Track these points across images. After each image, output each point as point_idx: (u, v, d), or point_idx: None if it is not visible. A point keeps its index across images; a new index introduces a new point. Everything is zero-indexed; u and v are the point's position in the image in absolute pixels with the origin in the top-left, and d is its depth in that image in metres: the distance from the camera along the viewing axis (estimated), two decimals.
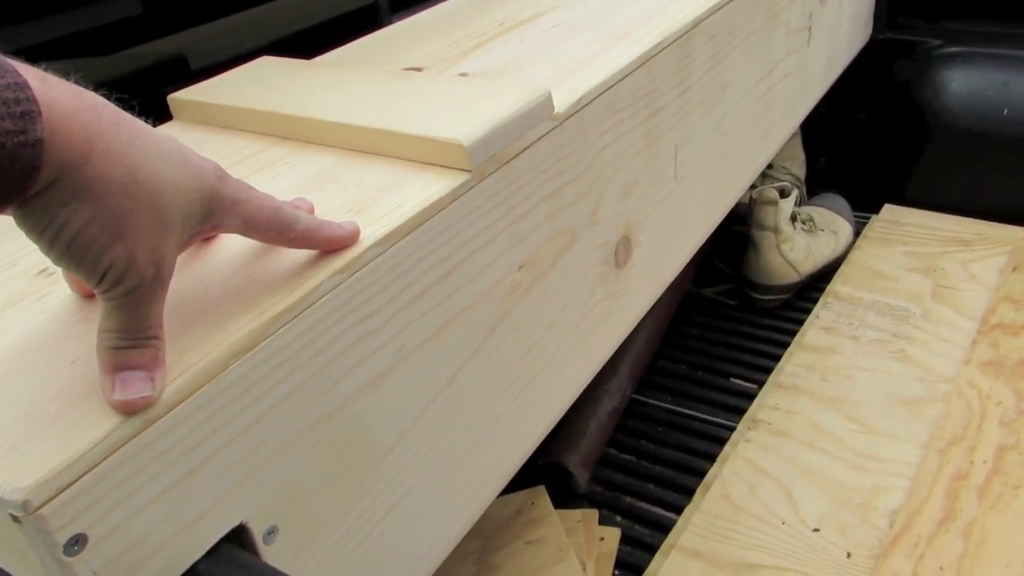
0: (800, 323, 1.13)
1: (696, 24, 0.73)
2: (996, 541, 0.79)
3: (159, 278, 0.35)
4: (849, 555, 0.80)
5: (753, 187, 1.18)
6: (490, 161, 0.51)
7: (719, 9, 0.77)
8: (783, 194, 1.18)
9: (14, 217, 0.32)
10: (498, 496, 0.61)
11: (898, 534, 0.81)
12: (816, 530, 0.83)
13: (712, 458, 0.94)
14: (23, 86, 0.29)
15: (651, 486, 0.94)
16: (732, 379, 1.09)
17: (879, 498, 0.86)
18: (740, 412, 1.00)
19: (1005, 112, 1.27)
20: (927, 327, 1.08)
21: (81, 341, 0.39)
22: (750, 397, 1.02)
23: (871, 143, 1.42)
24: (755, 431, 0.96)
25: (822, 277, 1.22)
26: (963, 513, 0.82)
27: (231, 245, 0.44)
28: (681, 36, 0.71)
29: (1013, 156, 1.27)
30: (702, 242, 0.88)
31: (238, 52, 0.82)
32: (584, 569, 0.82)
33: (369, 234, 0.44)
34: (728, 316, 1.20)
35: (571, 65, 0.65)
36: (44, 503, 0.31)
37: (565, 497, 0.92)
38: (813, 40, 1.07)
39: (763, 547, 0.82)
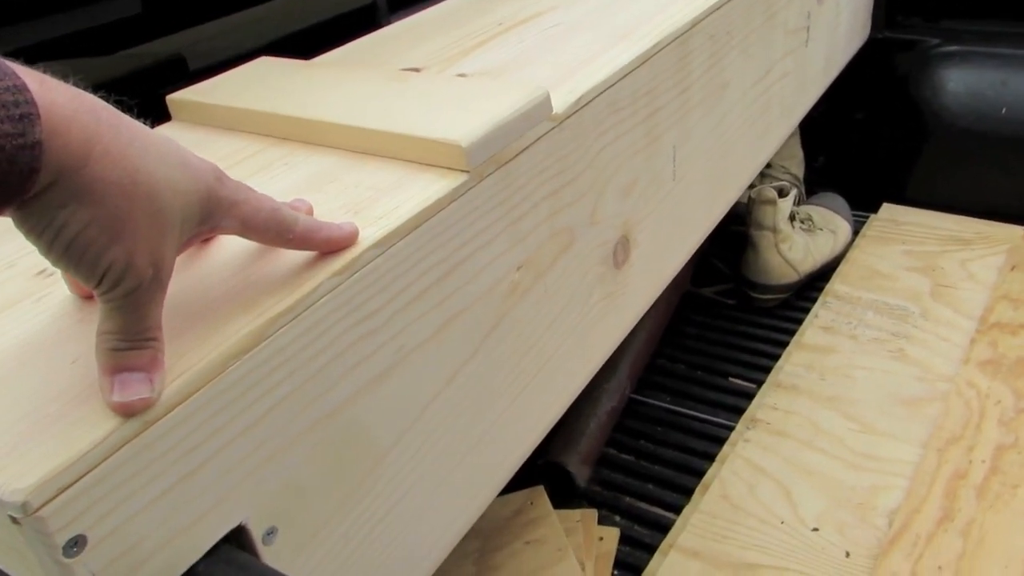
0: (799, 322, 1.13)
1: (695, 24, 0.73)
2: (995, 540, 0.79)
3: (158, 279, 0.35)
4: (848, 555, 0.81)
5: (752, 186, 1.18)
6: (489, 162, 0.51)
7: (718, 9, 0.77)
8: (782, 193, 1.18)
9: (13, 219, 0.32)
10: (497, 496, 0.61)
11: (897, 533, 0.81)
12: (815, 530, 0.83)
13: (711, 458, 0.94)
14: (22, 89, 0.29)
15: (650, 486, 0.94)
16: (731, 379, 1.09)
17: (878, 497, 0.86)
18: (739, 412, 1.00)
19: (1003, 111, 1.27)
20: (926, 326, 1.09)
21: (80, 342, 0.39)
22: (749, 397, 1.02)
23: (869, 142, 1.42)
24: (754, 431, 0.96)
25: (821, 276, 1.22)
26: (962, 512, 0.82)
27: (230, 246, 0.44)
28: (680, 36, 0.71)
29: (1011, 155, 1.27)
30: (701, 242, 0.88)
31: (237, 52, 0.82)
32: (583, 569, 0.82)
33: (368, 235, 0.44)
34: (727, 316, 1.20)
35: (571, 65, 0.65)
36: (43, 504, 0.31)
37: (564, 497, 0.92)
38: (811, 40, 1.07)
39: (762, 547, 0.82)
